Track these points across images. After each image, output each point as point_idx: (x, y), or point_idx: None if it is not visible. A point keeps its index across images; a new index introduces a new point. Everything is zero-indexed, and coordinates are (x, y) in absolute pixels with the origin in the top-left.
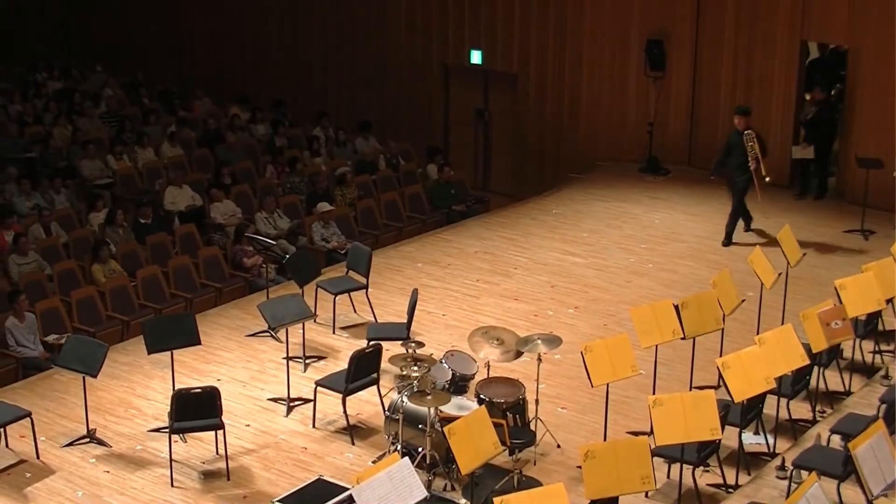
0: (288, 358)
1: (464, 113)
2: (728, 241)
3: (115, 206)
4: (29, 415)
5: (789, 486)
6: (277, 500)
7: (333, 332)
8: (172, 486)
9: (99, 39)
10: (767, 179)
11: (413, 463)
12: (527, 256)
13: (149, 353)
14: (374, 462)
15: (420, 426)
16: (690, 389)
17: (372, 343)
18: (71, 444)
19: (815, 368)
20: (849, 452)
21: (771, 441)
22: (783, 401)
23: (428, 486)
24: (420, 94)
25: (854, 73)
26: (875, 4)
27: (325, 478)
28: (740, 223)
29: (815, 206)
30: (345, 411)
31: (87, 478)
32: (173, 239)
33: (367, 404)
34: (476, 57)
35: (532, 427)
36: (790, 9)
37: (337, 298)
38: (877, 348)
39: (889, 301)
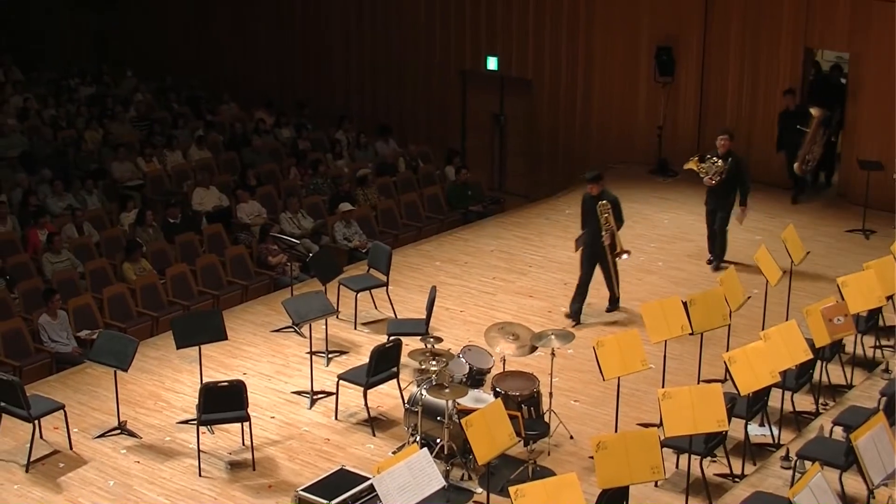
0: (311, 352)
1: (480, 117)
2: (576, 321)
3: (145, 206)
4: (62, 407)
5: (793, 475)
6: (301, 490)
7: (355, 328)
8: (200, 475)
9: (129, 46)
10: (625, 256)
11: (431, 453)
12: (541, 255)
13: (177, 347)
14: (394, 453)
15: (438, 418)
16: (698, 383)
17: (392, 338)
18: (103, 435)
19: (818, 363)
20: (850, 443)
21: (776, 432)
22: (787, 394)
23: (446, 475)
24: (438, 99)
25: (855, 78)
26: (876, 12)
27: (347, 468)
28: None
29: (817, 207)
30: (366, 404)
31: (119, 468)
32: (201, 238)
33: (387, 397)
34: (492, 63)
35: (546, 419)
36: (793, 17)
37: (358, 295)
38: (877, 343)
39: (889, 298)
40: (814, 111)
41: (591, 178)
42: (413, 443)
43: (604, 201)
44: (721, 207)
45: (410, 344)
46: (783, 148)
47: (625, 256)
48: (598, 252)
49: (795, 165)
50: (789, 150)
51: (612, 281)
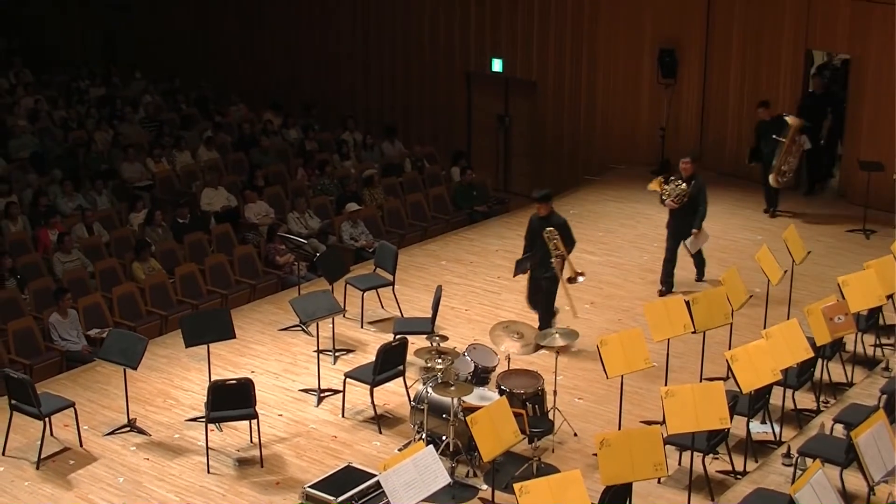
0: (318, 351)
1: (485, 118)
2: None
3: (155, 206)
4: (73, 405)
5: (794, 472)
6: (308, 486)
7: (361, 327)
8: (209, 472)
9: (139, 48)
10: (581, 279)
11: (437, 451)
12: None
13: (186, 346)
14: (400, 450)
15: (444, 416)
16: (701, 381)
17: (398, 337)
18: (112, 432)
19: (819, 361)
20: (851, 441)
21: (777, 430)
22: (789, 391)
23: (451, 472)
24: (444, 101)
25: (856, 81)
26: (876, 14)
27: (354, 465)
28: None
29: (818, 207)
30: (372, 401)
31: (128, 465)
32: (209, 238)
33: (393, 395)
34: (497, 65)
35: (550, 417)
36: (795, 19)
37: (365, 294)
38: (878, 342)
39: (889, 297)
40: (790, 120)
41: (540, 198)
42: (419, 440)
43: (551, 228)
44: (684, 233)
45: (416, 342)
46: (758, 159)
47: (581, 279)
48: (549, 278)
49: (771, 177)
50: (765, 161)
51: (548, 308)
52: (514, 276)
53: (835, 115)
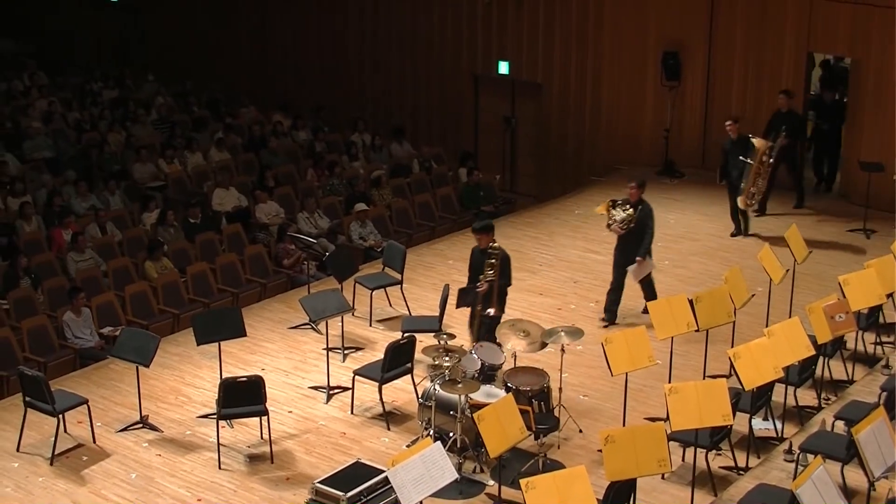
0: (328, 349)
1: (492, 120)
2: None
3: (167, 206)
4: (86, 402)
5: (796, 468)
6: (318, 482)
7: (370, 325)
8: (220, 468)
9: (152, 51)
10: (491, 312)
11: (445, 447)
12: (551, 254)
13: (198, 344)
14: (408, 446)
15: (451, 412)
16: (704, 378)
17: (406, 335)
18: (125, 429)
19: (821, 358)
20: (852, 437)
21: (779, 426)
22: (790, 389)
23: (458, 468)
24: (451, 103)
25: (856, 83)
26: (876, 17)
27: (363, 461)
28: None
29: (819, 207)
30: (381, 398)
31: (140, 461)
32: (221, 238)
33: (401, 392)
34: (503, 68)
35: (556, 413)
36: (796, 23)
37: (373, 293)
38: (878, 340)
39: (889, 295)
40: (756, 142)
41: (478, 229)
42: (427, 436)
43: (492, 260)
44: (631, 260)
45: (424, 340)
46: (726, 178)
47: (490, 312)
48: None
49: (740, 199)
50: (732, 183)
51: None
52: (457, 307)
53: (835, 122)
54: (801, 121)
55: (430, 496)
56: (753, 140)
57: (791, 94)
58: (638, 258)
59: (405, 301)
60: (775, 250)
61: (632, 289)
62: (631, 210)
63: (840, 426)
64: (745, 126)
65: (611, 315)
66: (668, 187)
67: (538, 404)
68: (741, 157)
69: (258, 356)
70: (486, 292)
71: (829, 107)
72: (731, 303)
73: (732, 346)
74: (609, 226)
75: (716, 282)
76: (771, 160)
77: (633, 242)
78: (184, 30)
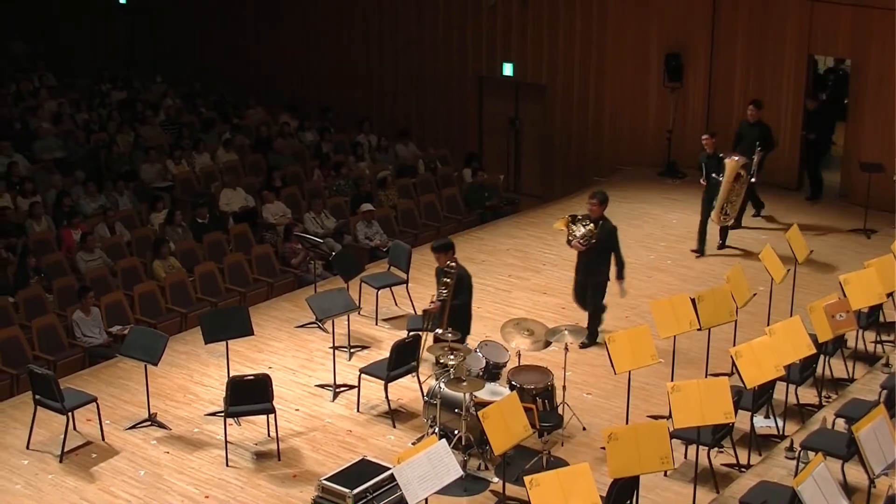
0: (334, 347)
1: (496, 121)
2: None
3: (175, 206)
4: (95, 400)
5: (797, 465)
6: (325, 479)
7: (376, 324)
8: (227, 465)
9: (160, 53)
10: (439, 332)
11: (450, 444)
12: (555, 253)
13: (206, 342)
14: (413, 444)
15: (456, 410)
16: (706, 376)
17: (412, 333)
18: (133, 426)
19: (821, 357)
20: (852, 435)
21: (780, 424)
22: (791, 387)
23: (463, 465)
24: (456, 104)
25: (857, 84)
26: (876, 20)
27: (369, 458)
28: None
29: (821, 208)
30: (386, 397)
31: (149, 458)
32: (228, 237)
33: (407, 390)
34: (508, 69)
35: (559, 411)
36: (797, 24)
37: (379, 292)
38: (878, 338)
39: (889, 294)
40: (728, 163)
41: (436, 248)
42: (432, 434)
43: (447, 279)
44: (592, 277)
45: (429, 339)
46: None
47: (438, 331)
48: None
49: (713, 214)
50: (704, 198)
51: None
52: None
53: (822, 131)
54: (770, 131)
55: (435, 493)
56: (725, 161)
57: (760, 105)
58: (618, 279)
59: (410, 300)
60: (776, 250)
61: (631, 287)
62: (592, 226)
63: (841, 424)
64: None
65: (591, 336)
66: (671, 187)
67: (542, 402)
68: (713, 175)
69: (265, 355)
70: (437, 311)
71: (814, 115)
72: (732, 302)
73: (734, 345)
74: (569, 242)
75: (718, 281)
76: (752, 179)
77: (594, 260)
78: (192, 31)
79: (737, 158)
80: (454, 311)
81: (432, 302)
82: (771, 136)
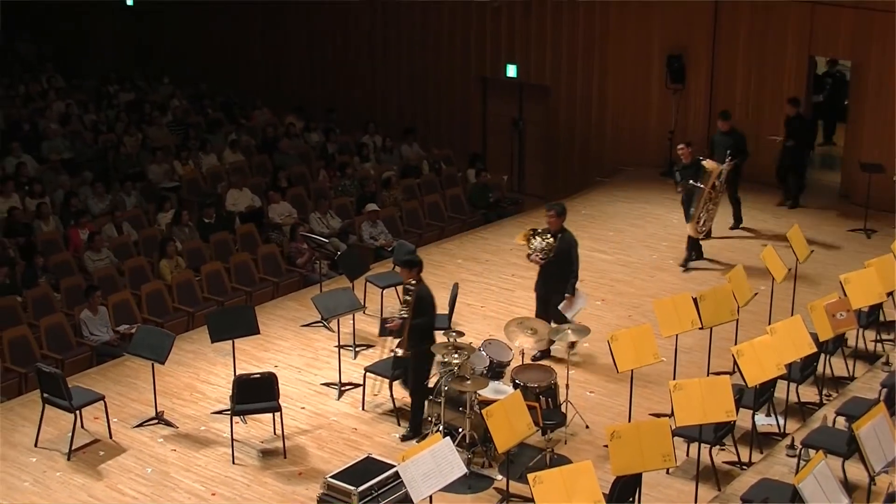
0: (339, 346)
1: (500, 122)
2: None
3: (181, 207)
4: (103, 398)
5: (798, 463)
6: (330, 477)
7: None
8: (234, 463)
9: (168, 54)
10: (399, 352)
11: (454, 442)
12: None
13: (212, 341)
14: (418, 441)
15: (460, 408)
16: (708, 375)
17: None
18: (141, 424)
19: (822, 356)
20: (853, 433)
21: (781, 422)
22: (793, 385)
23: (467, 463)
24: (460, 105)
25: (857, 86)
26: (877, 22)
27: (374, 456)
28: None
29: (820, 208)
30: (391, 395)
31: (156, 456)
32: (234, 237)
33: None
34: (511, 70)
35: (563, 409)
36: (798, 26)
37: (384, 292)
38: (878, 337)
39: (889, 294)
40: (707, 164)
41: (399, 263)
42: (436, 432)
43: (408, 297)
44: (553, 291)
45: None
46: (684, 206)
47: (399, 352)
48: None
49: (690, 227)
50: (684, 208)
51: (416, 384)
52: (379, 335)
53: (800, 140)
54: (744, 140)
55: (439, 490)
56: (704, 163)
57: (728, 116)
58: (567, 294)
59: None
60: (777, 250)
61: (633, 287)
62: (551, 239)
63: (841, 422)
64: (749, 122)
65: (546, 352)
66: (672, 188)
67: (545, 401)
68: (692, 182)
69: (271, 353)
70: (397, 329)
71: (791, 122)
72: (734, 301)
73: (736, 344)
74: (529, 256)
75: (719, 280)
76: (723, 185)
77: (555, 274)
78: (198, 33)
79: (715, 162)
80: (413, 330)
81: (392, 320)
82: (744, 145)
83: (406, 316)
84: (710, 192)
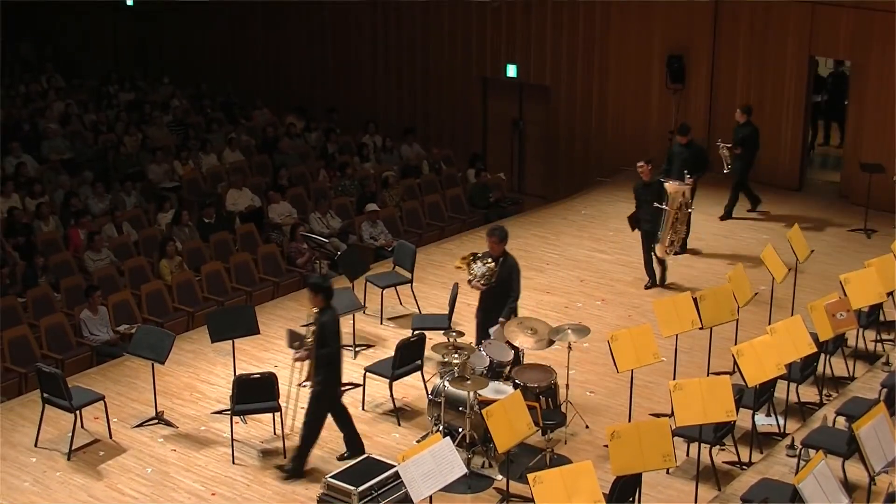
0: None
1: (500, 122)
2: None
3: (181, 207)
4: (103, 398)
5: (798, 463)
6: (330, 477)
7: (381, 323)
8: (234, 463)
9: (168, 54)
10: (310, 383)
11: (454, 442)
12: (558, 253)
13: (212, 341)
14: (418, 441)
15: (460, 408)
16: (708, 375)
17: (416, 332)
18: (141, 424)
19: (822, 356)
20: (853, 433)
21: (781, 422)
22: (793, 385)
23: (467, 463)
24: (461, 105)
25: (857, 86)
26: (877, 22)
27: (374, 456)
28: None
29: (821, 208)
30: (391, 395)
31: (156, 456)
32: (234, 237)
33: (411, 388)
34: (512, 71)
35: (563, 409)
36: (798, 27)
37: (384, 292)
38: (878, 337)
39: (890, 294)
40: (668, 187)
41: (309, 287)
42: (436, 432)
43: (312, 326)
44: (495, 319)
45: (434, 338)
46: (637, 226)
47: (307, 385)
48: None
49: (658, 248)
50: (645, 230)
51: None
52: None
53: (746, 152)
54: (701, 152)
55: (439, 490)
56: (666, 185)
57: (686, 130)
58: (501, 319)
59: (415, 299)
60: (778, 250)
61: (633, 287)
62: (492, 264)
63: (841, 422)
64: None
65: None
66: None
67: (545, 401)
68: (656, 204)
69: (271, 353)
70: (303, 360)
71: (741, 129)
72: (734, 301)
73: (736, 344)
74: (469, 282)
75: (720, 280)
76: (689, 209)
77: (497, 300)
78: (198, 33)
79: (677, 184)
80: (319, 361)
81: (298, 352)
82: (701, 158)
83: (310, 347)
84: (676, 212)
